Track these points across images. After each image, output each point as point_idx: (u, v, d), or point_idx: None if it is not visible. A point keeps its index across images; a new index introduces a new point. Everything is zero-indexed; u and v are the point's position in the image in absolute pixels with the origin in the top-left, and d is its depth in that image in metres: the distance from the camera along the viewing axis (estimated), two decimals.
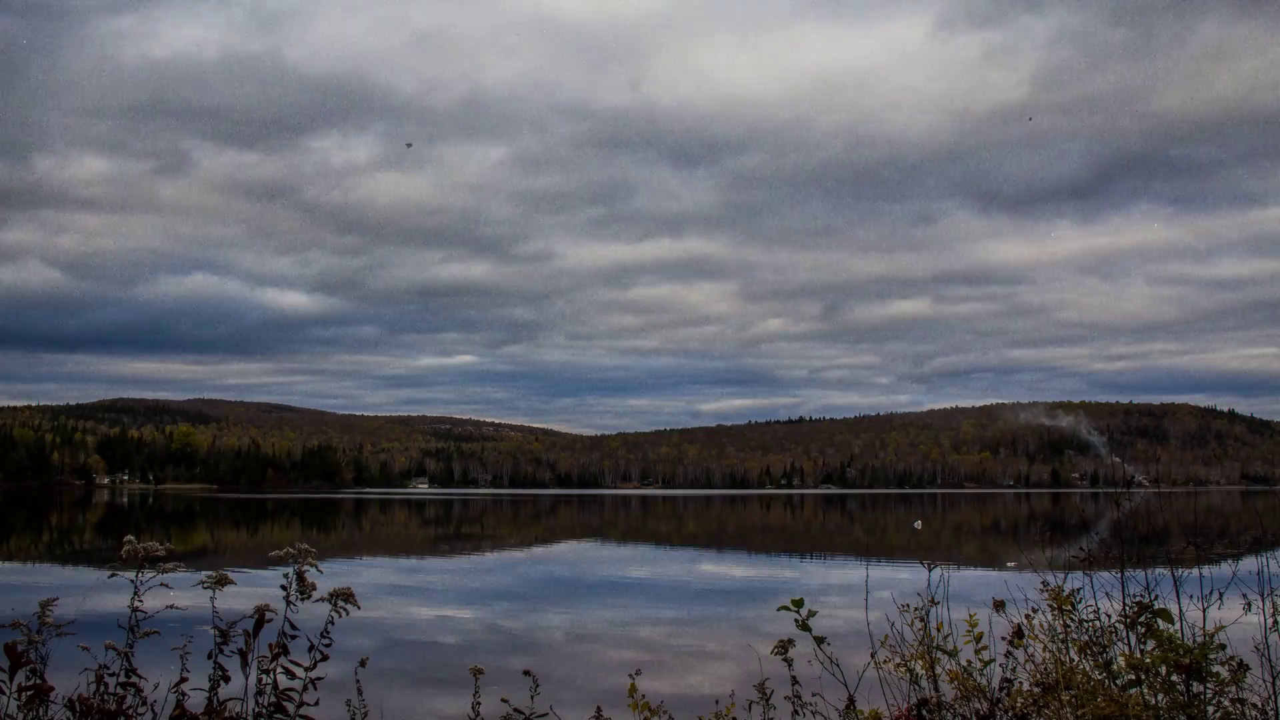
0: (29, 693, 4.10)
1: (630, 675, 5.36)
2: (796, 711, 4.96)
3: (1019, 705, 4.87)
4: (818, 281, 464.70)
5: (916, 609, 5.55)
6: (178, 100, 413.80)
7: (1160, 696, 4.44)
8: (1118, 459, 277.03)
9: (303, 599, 4.30)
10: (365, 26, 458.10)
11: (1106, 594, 5.46)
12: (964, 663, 5.19)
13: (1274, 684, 4.62)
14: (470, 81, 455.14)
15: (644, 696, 5.26)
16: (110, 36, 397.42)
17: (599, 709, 5.16)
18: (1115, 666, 4.96)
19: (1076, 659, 5.21)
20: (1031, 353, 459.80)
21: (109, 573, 4.51)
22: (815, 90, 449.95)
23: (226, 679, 4.33)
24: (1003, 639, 5.38)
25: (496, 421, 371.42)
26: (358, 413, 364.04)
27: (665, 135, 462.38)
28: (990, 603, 5.69)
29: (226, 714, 4.30)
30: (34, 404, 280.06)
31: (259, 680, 4.21)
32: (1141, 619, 4.76)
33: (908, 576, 24.42)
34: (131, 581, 4.39)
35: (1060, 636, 5.40)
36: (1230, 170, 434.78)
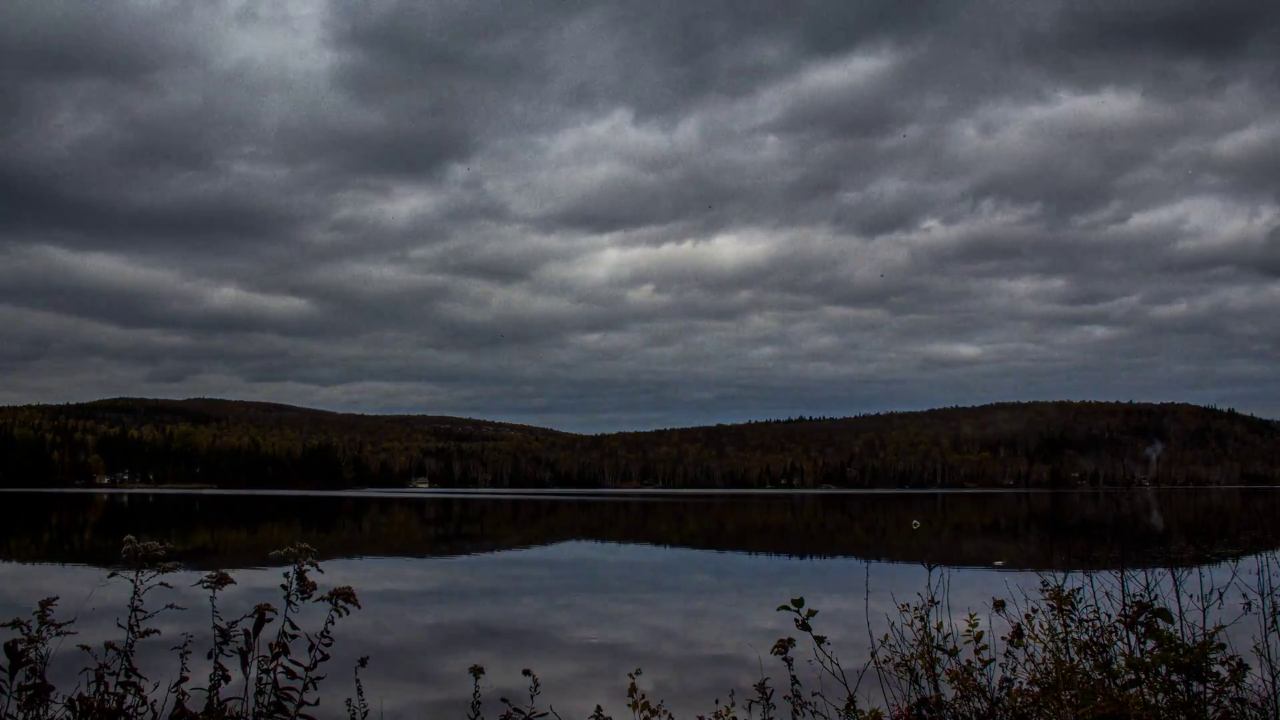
0: (29, 693, 4.10)
1: (630, 675, 5.36)
2: (796, 711, 4.96)
3: (1019, 705, 4.87)
4: None
5: (916, 609, 5.55)
6: None
7: (1160, 696, 4.44)
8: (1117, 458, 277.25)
9: (303, 599, 4.31)
10: None
11: (1106, 594, 5.46)
12: (964, 662, 5.19)
13: (1274, 684, 4.62)
14: None
15: (644, 696, 5.26)
16: None
17: (599, 709, 5.17)
18: (1115, 666, 4.96)
19: (1076, 659, 5.21)
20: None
21: (109, 573, 4.52)
22: None
23: (226, 679, 4.34)
24: (1003, 639, 5.38)
25: (496, 421, 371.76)
26: (358, 412, 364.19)
27: None
28: (990, 603, 5.70)
29: (226, 714, 4.30)
30: (34, 404, 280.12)
31: (259, 680, 4.21)
32: (1141, 619, 4.75)
33: (908, 576, 24.43)
34: (131, 581, 4.40)
35: (1060, 636, 5.41)
36: None
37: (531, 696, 4.95)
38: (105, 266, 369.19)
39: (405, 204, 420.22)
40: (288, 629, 4.25)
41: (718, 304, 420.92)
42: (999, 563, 28.33)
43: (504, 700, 4.89)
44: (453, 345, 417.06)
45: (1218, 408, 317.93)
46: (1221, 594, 5.20)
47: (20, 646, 4.10)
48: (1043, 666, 5.27)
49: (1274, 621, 4.90)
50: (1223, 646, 4.48)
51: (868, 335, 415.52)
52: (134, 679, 4.33)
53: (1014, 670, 5.25)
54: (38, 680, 4.13)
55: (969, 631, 5.33)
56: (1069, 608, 5.45)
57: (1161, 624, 4.67)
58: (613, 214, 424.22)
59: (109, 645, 4.37)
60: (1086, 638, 5.27)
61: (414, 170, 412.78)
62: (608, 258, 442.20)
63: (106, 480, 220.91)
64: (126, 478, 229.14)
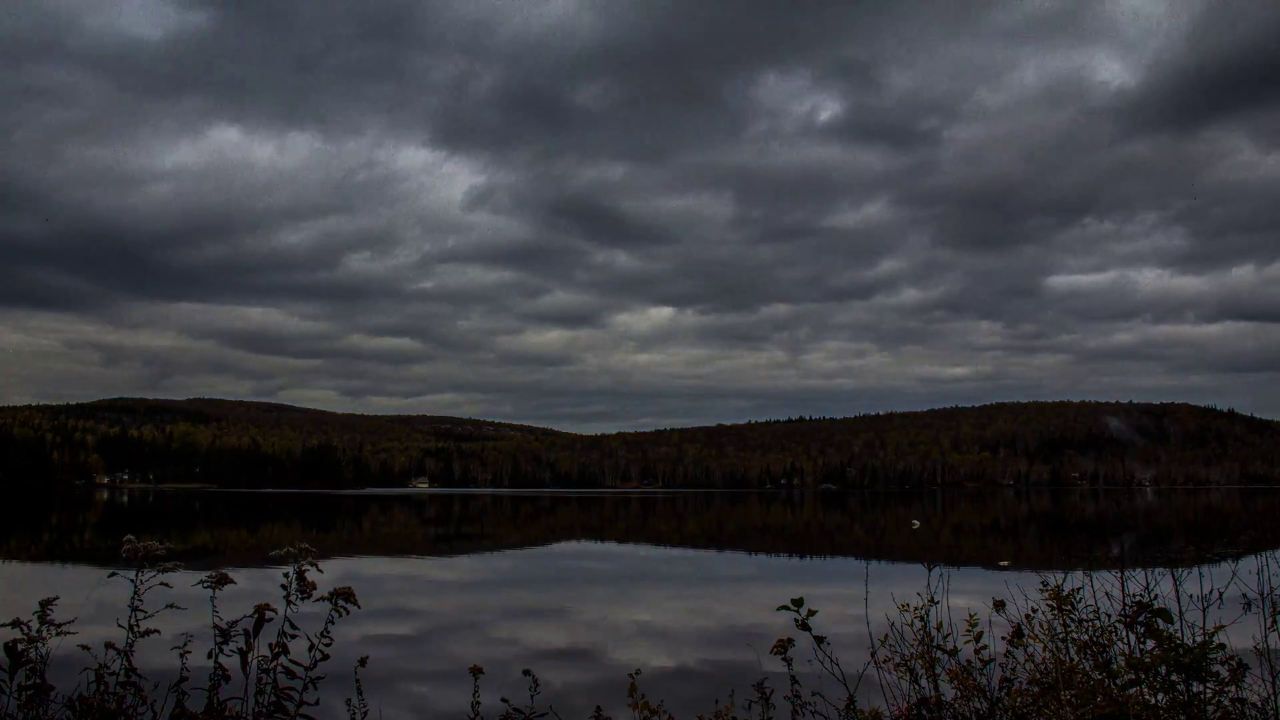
0: (29, 692, 4.10)
1: (630, 675, 5.36)
2: (796, 711, 4.96)
3: (1019, 705, 4.87)
4: None
5: (916, 609, 5.55)
6: None
7: (1160, 696, 4.44)
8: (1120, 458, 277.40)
9: (303, 599, 4.31)
10: None
11: (1106, 594, 5.46)
12: (964, 662, 5.19)
13: (1274, 684, 4.62)
14: None
15: (644, 696, 5.26)
16: None
17: (599, 709, 5.17)
18: (1115, 666, 4.95)
19: (1076, 659, 5.21)
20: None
21: (109, 573, 4.52)
22: None
23: (227, 679, 4.34)
24: (1003, 639, 5.38)
25: (496, 421, 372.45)
26: (358, 412, 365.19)
27: None
28: (990, 603, 5.70)
29: (226, 714, 4.30)
30: (34, 403, 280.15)
31: (259, 680, 4.21)
32: (1141, 619, 4.75)
33: (908, 576, 24.40)
34: (131, 581, 4.40)
35: (1060, 636, 5.40)
36: None
37: (531, 697, 4.94)
38: (266, 317, 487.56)
39: (494, 275, 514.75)
40: (288, 629, 4.25)
41: (734, 343, 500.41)
42: (1004, 563, 28.32)
43: (504, 700, 4.89)
44: (509, 364, 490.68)
45: (1218, 408, 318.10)
46: (1221, 594, 5.20)
47: (20, 646, 4.10)
48: (1043, 666, 5.26)
49: (1274, 621, 4.89)
50: (1223, 646, 4.47)
51: (861, 361, 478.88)
52: (134, 679, 4.33)
53: (1014, 670, 5.25)
54: (38, 680, 4.13)
55: (969, 631, 5.32)
56: (1069, 608, 5.44)
57: (1161, 624, 4.66)
58: (666, 293, 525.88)
59: (109, 645, 4.38)
60: (1086, 638, 5.27)
61: (510, 261, 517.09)
62: (656, 314, 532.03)
63: (106, 481, 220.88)
64: (126, 477, 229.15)
